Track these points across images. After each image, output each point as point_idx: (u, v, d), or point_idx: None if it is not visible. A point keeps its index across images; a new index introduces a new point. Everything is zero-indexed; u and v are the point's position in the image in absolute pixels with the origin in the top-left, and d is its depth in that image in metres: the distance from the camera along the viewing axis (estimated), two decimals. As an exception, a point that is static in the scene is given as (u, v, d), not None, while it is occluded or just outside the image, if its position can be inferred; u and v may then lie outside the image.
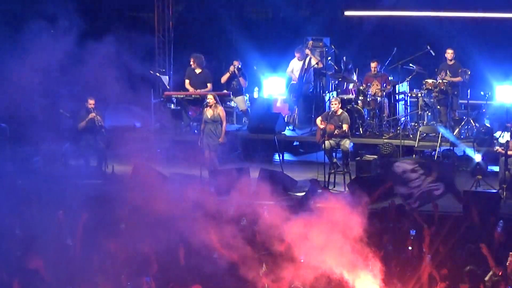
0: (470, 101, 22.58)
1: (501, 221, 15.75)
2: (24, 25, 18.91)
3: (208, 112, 20.67)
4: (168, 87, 24.05)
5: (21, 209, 16.77)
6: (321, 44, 23.97)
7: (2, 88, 18.61)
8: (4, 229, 15.34)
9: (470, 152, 20.81)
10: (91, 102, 21.36)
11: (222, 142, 20.66)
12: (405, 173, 18.50)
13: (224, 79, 23.42)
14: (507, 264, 13.63)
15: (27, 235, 15.52)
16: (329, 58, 23.76)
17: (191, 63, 22.99)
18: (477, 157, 20.27)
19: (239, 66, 23.41)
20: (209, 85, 22.94)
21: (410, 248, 14.73)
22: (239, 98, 23.63)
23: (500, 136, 20.79)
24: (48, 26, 19.13)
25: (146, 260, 14.00)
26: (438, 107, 22.46)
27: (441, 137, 21.61)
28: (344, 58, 23.73)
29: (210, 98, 20.72)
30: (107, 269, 13.98)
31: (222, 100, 22.21)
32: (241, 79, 23.40)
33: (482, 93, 22.86)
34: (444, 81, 22.36)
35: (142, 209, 16.62)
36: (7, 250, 14.52)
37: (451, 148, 21.49)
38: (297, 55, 23.47)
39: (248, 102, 24.04)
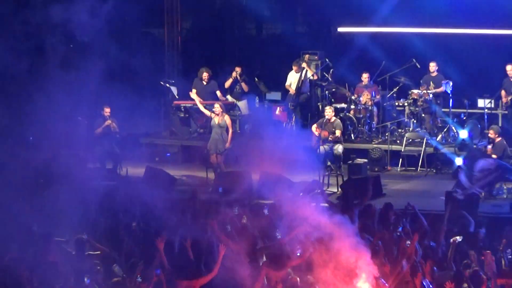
0: (452, 110, 22.67)
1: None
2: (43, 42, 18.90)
3: (216, 119, 20.77)
4: (177, 96, 24.09)
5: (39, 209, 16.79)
6: (316, 57, 24.03)
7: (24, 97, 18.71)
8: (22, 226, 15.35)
9: (452, 156, 20.94)
10: (107, 110, 21.49)
11: (228, 147, 20.77)
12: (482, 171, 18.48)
13: (227, 84, 23.51)
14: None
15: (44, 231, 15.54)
16: (324, 70, 23.84)
17: (204, 75, 22.99)
18: (458, 161, 20.37)
19: (241, 72, 23.50)
20: (218, 92, 23.05)
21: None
22: (242, 102, 23.66)
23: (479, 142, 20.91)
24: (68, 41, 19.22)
25: (156, 254, 14.01)
26: (423, 115, 22.54)
27: (425, 142, 21.74)
28: (331, 70, 23.80)
29: (217, 107, 20.81)
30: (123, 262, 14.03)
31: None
32: (243, 84, 23.47)
33: (465, 101, 22.93)
34: (428, 91, 22.48)
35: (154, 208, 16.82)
36: (25, 246, 14.50)
37: (435, 152, 21.60)
38: (294, 67, 23.52)
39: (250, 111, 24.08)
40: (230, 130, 20.90)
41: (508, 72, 22.09)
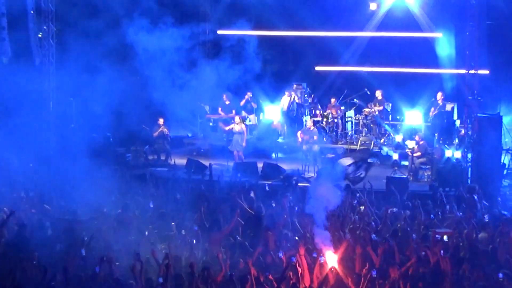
0: (391, 122, 22.94)
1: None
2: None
3: (236, 127, 21.06)
4: (208, 112, 24.24)
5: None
6: (301, 87, 24.11)
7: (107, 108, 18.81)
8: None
9: (391, 153, 21.16)
10: (161, 120, 21.66)
11: (244, 145, 21.01)
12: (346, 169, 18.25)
13: (242, 103, 23.52)
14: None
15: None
16: (306, 95, 24.03)
17: (224, 97, 23.16)
18: (395, 156, 20.63)
19: (251, 95, 23.68)
20: (233, 111, 23.24)
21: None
22: (252, 116, 23.72)
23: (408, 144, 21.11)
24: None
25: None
26: (371, 125, 22.76)
27: (373, 143, 21.95)
28: (312, 95, 23.95)
29: (237, 119, 21.18)
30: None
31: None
32: (252, 103, 23.60)
33: (398, 117, 23.18)
34: (375, 110, 22.70)
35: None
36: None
37: (379, 150, 21.79)
38: (286, 93, 23.62)
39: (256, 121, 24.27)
40: (245, 134, 21.19)
41: (437, 98, 22.16)
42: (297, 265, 10.82)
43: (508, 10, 22.50)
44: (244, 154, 21.03)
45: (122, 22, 18.78)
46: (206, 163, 20.62)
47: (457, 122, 21.36)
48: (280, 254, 11.56)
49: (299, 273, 10.69)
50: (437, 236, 12.29)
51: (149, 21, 18.94)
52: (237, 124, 21.18)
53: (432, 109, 22.22)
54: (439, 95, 22.15)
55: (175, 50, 19.07)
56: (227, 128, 21.68)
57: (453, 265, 11.36)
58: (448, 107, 22.12)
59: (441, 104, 22.11)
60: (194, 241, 12.54)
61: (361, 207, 14.77)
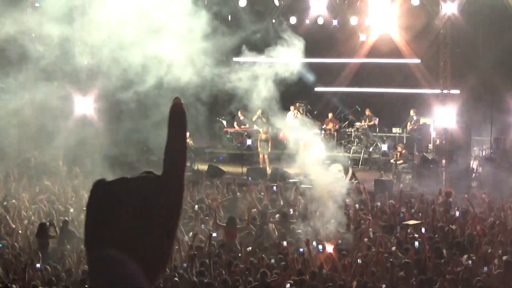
0: (378, 134, 22.96)
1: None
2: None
3: (263, 136, 21.20)
4: (225, 126, 24.34)
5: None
6: (303, 104, 24.25)
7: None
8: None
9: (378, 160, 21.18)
10: (187, 133, 21.74)
11: (270, 151, 21.08)
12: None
13: (254, 118, 23.48)
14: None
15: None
16: (307, 111, 24.08)
17: (240, 113, 23.25)
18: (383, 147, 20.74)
19: (261, 112, 23.63)
20: (247, 125, 23.35)
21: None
22: (262, 128, 23.74)
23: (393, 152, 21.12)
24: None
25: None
26: (362, 137, 22.77)
27: (363, 152, 21.97)
28: (314, 112, 24.06)
29: (264, 129, 21.28)
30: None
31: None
32: (263, 118, 23.55)
33: (385, 129, 23.20)
34: (364, 124, 22.75)
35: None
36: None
37: (368, 157, 21.78)
38: (291, 109, 23.74)
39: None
40: (270, 142, 21.26)
41: (411, 114, 22.30)
42: (303, 254, 10.88)
43: (472, 40, 22.53)
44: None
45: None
46: (224, 168, 20.80)
47: (433, 134, 21.37)
48: (284, 243, 11.61)
49: (304, 259, 10.76)
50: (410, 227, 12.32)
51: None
52: (264, 133, 21.32)
53: (409, 123, 22.31)
54: (412, 112, 22.24)
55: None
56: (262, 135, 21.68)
57: (430, 253, 11.38)
58: (422, 121, 22.22)
59: (415, 118, 22.20)
60: (214, 234, 12.61)
61: (355, 205, 14.84)
